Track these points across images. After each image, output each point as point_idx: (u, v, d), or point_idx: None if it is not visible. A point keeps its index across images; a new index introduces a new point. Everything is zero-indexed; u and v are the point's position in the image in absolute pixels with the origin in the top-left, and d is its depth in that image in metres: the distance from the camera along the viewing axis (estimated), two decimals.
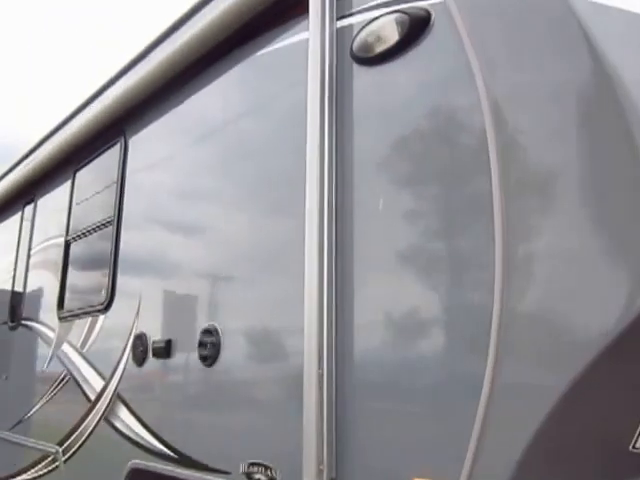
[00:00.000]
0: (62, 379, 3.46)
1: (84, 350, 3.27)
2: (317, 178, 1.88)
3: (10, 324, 4.50)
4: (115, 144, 3.38)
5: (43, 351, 3.78)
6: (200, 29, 2.53)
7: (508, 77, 1.53)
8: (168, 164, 2.94)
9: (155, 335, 2.67)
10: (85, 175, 3.77)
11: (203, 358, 2.32)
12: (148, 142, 3.13)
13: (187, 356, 2.46)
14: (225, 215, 2.45)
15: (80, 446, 3.12)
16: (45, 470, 3.44)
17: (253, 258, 2.26)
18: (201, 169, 2.68)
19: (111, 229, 3.22)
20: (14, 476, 3.79)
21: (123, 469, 2.68)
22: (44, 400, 3.63)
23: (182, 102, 2.83)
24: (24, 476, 3.68)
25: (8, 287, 4.70)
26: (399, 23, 1.75)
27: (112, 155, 3.41)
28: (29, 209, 4.61)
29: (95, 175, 3.65)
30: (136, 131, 3.21)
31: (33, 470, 3.57)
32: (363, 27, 1.87)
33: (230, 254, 2.38)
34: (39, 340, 3.92)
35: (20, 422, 3.91)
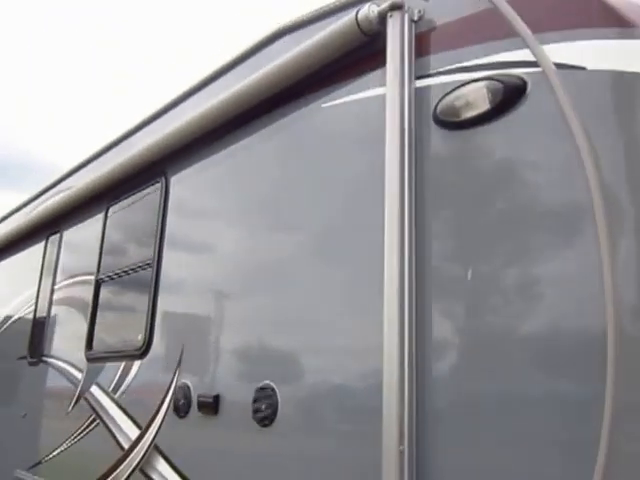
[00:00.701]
0: (90, 422, 3.35)
1: (116, 395, 3.17)
2: (397, 244, 1.82)
3: (30, 359, 4.38)
4: (155, 184, 3.32)
5: (68, 391, 3.66)
6: (264, 74, 2.48)
7: (619, 156, 1.49)
8: (217, 211, 2.88)
9: (201, 388, 2.58)
10: (119, 213, 3.71)
11: (258, 418, 2.24)
12: (195, 186, 3.06)
13: (238, 414, 2.36)
14: (282, 271, 2.37)
15: None
16: None
17: (316, 310, 2.19)
18: (255, 220, 2.61)
19: (150, 272, 3.14)
20: None
21: None
22: (68, 442, 3.51)
23: (235, 149, 2.78)
24: None
25: (28, 321, 4.59)
26: (492, 90, 1.71)
27: (151, 195, 3.35)
28: (53, 241, 4.53)
29: (131, 214, 3.59)
30: (180, 173, 3.15)
31: None
32: (451, 90, 1.82)
33: (289, 307, 2.31)
34: (63, 379, 3.81)
35: (40, 463, 3.79)
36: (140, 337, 3.12)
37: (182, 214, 3.13)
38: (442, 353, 1.75)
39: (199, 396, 2.56)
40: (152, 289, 3.09)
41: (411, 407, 1.72)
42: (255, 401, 2.27)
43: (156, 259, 3.13)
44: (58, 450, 3.60)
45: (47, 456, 3.71)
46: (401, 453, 1.68)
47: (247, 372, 2.43)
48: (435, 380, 1.72)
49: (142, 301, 3.21)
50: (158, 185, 3.29)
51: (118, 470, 2.99)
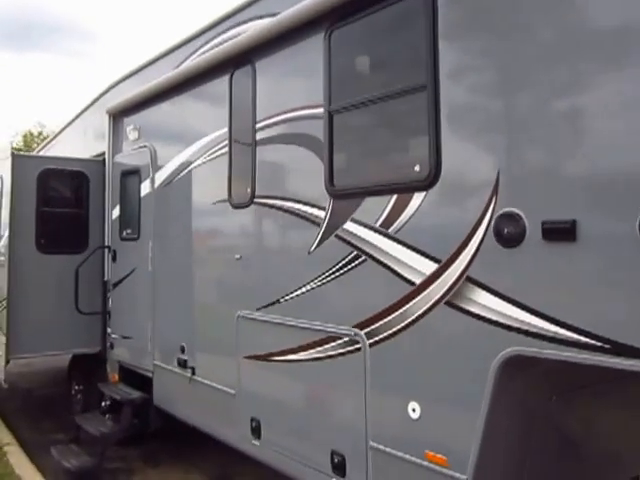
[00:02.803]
0: (350, 260, 3.23)
1: (390, 230, 2.99)
2: None
3: (234, 203, 4.24)
4: None
5: (305, 230, 3.53)
6: None
7: None
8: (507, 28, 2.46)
9: (541, 215, 2.35)
10: (349, 36, 3.32)
11: None
12: None
13: (610, 238, 2.15)
14: None
15: (399, 331, 2.94)
16: (336, 352, 3.31)
17: None
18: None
19: (424, 95, 2.82)
20: (286, 353, 3.70)
21: (492, 357, 2.50)
22: (317, 282, 3.43)
23: None
24: (305, 354, 3.56)
25: (222, 163, 4.38)
26: None
27: (405, 11, 2.94)
28: (242, 76, 4.20)
29: (373, 35, 3.19)
30: None
31: (319, 349, 3.43)
32: None
33: None
34: (292, 219, 3.65)
35: (276, 303, 3.76)
36: (419, 167, 2.88)
37: (459, 31, 2.73)
38: None
39: (544, 223, 2.34)
40: (432, 113, 2.78)
41: None
42: None
43: (432, 81, 2.79)
44: (303, 289, 3.54)
45: (286, 296, 3.67)
46: None
47: (622, 194, 2.16)
48: None
49: (415, 128, 2.94)
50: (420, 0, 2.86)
51: (407, 306, 2.89)
